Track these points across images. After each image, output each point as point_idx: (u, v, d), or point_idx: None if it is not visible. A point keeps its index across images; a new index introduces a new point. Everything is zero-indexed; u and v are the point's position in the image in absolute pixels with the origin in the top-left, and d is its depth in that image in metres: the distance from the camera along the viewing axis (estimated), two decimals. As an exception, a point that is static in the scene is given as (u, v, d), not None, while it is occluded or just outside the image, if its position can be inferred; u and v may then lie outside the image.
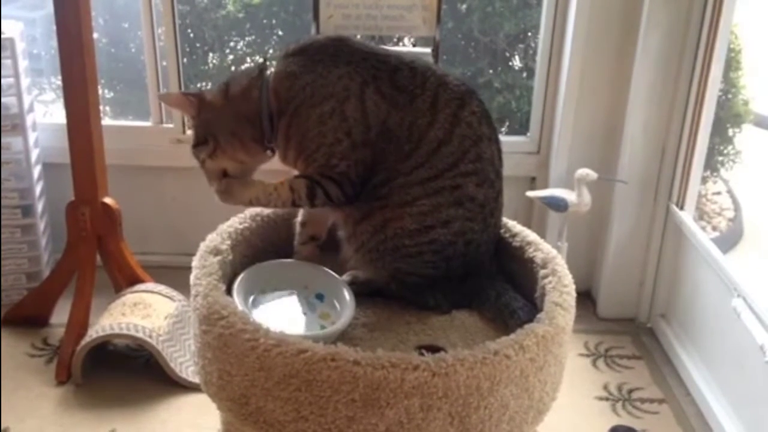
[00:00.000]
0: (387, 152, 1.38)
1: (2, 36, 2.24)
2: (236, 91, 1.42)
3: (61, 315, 2.26)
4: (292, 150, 1.41)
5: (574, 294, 1.36)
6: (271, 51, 2.84)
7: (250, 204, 1.43)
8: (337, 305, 1.42)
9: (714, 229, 3.13)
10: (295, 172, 1.44)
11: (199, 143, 1.44)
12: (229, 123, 1.41)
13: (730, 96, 2.93)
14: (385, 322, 1.41)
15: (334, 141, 1.37)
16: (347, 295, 1.42)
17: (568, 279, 1.38)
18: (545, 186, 2.49)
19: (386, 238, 1.39)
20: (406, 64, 1.41)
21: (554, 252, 1.46)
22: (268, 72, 1.42)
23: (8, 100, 2.28)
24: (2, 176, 2.33)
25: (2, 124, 2.29)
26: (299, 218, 1.53)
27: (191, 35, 2.80)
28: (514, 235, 1.52)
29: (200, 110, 1.43)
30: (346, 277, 1.48)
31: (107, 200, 2.22)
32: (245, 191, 1.41)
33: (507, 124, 2.79)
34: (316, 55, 1.40)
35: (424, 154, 1.37)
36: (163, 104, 2.54)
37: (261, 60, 1.51)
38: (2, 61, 2.25)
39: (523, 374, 1.22)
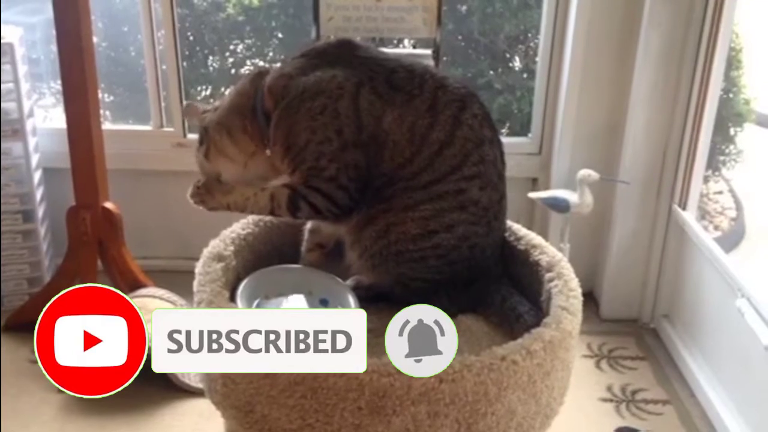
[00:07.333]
0: (384, 157, 1.36)
1: (2, 41, 2.23)
2: (233, 90, 1.47)
3: (62, 320, 2.25)
4: (279, 146, 1.39)
5: (580, 298, 1.35)
6: (271, 54, 2.83)
7: (228, 209, 1.43)
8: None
9: (716, 228, 3.12)
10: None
11: (199, 145, 1.48)
12: (221, 116, 1.45)
13: (731, 95, 2.92)
14: (390, 328, 1.40)
15: (324, 139, 1.35)
16: (352, 300, 1.41)
17: (575, 282, 1.38)
18: (547, 187, 2.48)
19: (389, 243, 1.39)
20: (403, 67, 1.40)
21: (560, 255, 1.45)
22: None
23: (8, 105, 2.28)
24: (3, 182, 2.32)
25: (2, 129, 2.29)
26: (308, 225, 1.52)
27: (191, 38, 2.79)
28: (519, 239, 1.51)
29: (202, 114, 1.48)
30: (350, 282, 1.48)
31: (108, 205, 2.22)
32: (223, 195, 1.42)
33: (508, 125, 2.78)
34: (314, 59, 1.42)
35: (426, 157, 1.36)
36: (163, 108, 2.54)
37: (263, 64, 1.55)
38: (2, 66, 2.24)
39: (531, 380, 1.21)
